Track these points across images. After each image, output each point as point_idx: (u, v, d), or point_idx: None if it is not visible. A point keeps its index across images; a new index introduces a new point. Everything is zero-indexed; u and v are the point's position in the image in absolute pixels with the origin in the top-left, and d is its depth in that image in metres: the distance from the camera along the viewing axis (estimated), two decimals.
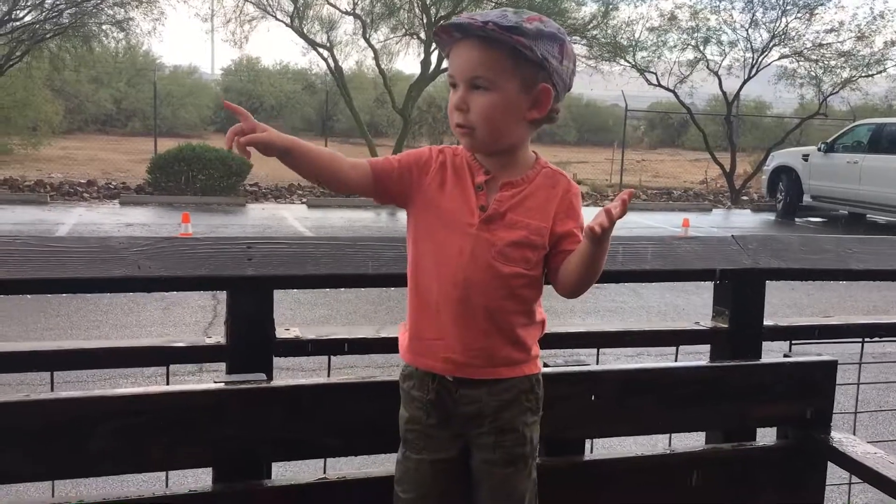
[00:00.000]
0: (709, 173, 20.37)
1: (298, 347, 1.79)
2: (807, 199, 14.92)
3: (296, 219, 12.43)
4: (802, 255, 2.12)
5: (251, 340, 1.74)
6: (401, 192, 1.54)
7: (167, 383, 1.73)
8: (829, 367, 1.83)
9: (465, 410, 1.51)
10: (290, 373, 4.08)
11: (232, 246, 1.76)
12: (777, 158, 15.95)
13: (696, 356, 2.09)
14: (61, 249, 1.65)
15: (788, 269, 2.07)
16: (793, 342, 2.16)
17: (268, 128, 1.43)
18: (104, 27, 15.64)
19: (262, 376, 1.62)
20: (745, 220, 15.24)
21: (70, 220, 11.42)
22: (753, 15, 17.76)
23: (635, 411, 1.73)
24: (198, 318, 6.17)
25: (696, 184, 21.03)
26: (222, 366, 1.74)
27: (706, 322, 2.11)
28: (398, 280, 1.83)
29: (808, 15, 17.55)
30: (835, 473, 1.94)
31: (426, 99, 20.34)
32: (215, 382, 1.58)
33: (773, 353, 2.07)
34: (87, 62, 17.77)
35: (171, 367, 1.78)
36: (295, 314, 6.21)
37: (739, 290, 2.05)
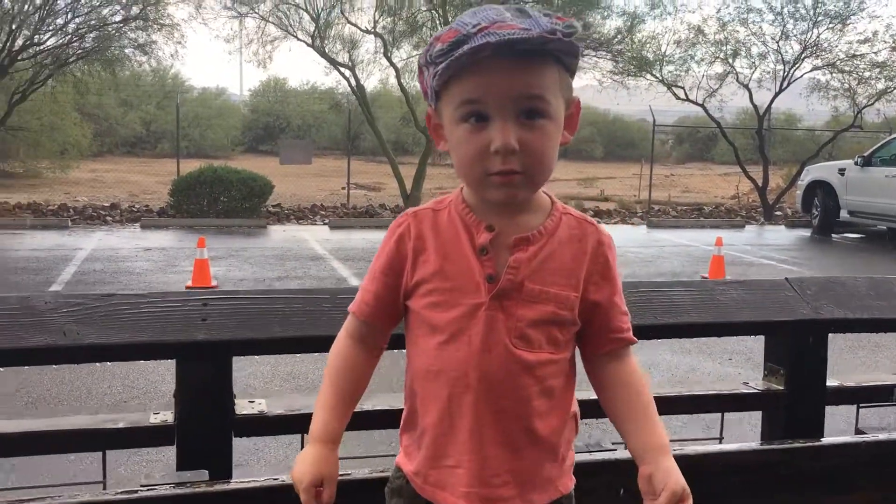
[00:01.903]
0: (740, 188, 19.86)
1: (263, 425, 1.49)
2: (843, 214, 14.39)
3: (317, 241, 12.19)
4: (871, 302, 1.78)
5: (205, 419, 1.44)
6: (397, 312, 1.21)
7: (103, 474, 1.42)
8: None
9: None
10: (253, 450, 3.67)
11: (184, 304, 1.46)
12: (812, 173, 15.44)
13: (747, 425, 1.75)
14: None
15: (856, 319, 1.73)
16: (861, 405, 1.81)
17: (320, 474, 1.17)
18: (126, 50, 15.57)
19: (205, 474, 1.30)
20: (779, 237, 14.73)
21: (89, 244, 11.27)
22: (784, 27, 17.30)
23: None
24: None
25: (727, 199, 20.52)
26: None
27: (757, 382, 1.78)
28: (393, 342, 1.53)
29: (840, 26, 17.05)
30: None
31: None
32: (146, 487, 1.26)
33: (837, 416, 1.73)
34: (110, 85, 17.75)
35: (111, 451, 1.48)
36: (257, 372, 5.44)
37: (797, 344, 1.72)
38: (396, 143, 24.38)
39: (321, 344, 1.53)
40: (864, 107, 17.91)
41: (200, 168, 14.29)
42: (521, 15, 1.07)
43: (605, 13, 15.80)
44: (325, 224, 14.35)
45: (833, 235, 14.49)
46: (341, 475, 1.20)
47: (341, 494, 1.19)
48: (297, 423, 1.50)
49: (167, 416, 1.46)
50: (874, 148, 14.32)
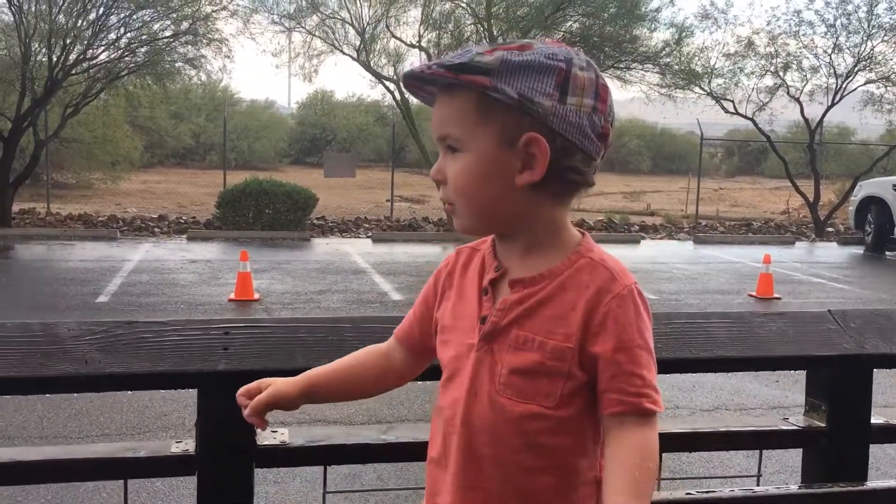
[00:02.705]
0: (790, 203, 19.48)
1: (285, 456, 1.47)
2: None
3: (359, 254, 12.24)
4: None
5: (226, 449, 1.42)
6: (424, 348, 1.24)
7: (125, 502, 1.41)
8: None
9: None
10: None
11: (205, 332, 1.45)
12: (865, 188, 15.07)
13: (785, 463, 1.68)
14: None
15: None
16: None
17: (271, 381, 1.22)
18: (177, 64, 15.88)
19: None
20: (830, 254, 14.39)
21: (136, 255, 11.48)
22: (836, 39, 16.96)
23: None
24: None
25: (776, 214, 20.16)
26: None
27: (797, 419, 1.70)
28: None
29: (895, 38, 16.66)
30: None
31: None
32: None
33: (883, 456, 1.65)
34: (161, 98, 18.13)
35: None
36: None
37: (840, 380, 1.64)
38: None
39: None
40: None
41: (246, 181, 14.49)
42: (459, 49, 1.07)
43: (653, 26, 15.65)
44: (368, 237, 14.43)
45: (887, 253, 14.11)
46: None
47: None
48: (319, 454, 1.47)
49: (188, 446, 1.44)
50: None
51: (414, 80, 1.10)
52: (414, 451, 1.48)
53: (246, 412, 1.22)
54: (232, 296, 8.41)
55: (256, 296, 8.46)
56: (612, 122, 1.09)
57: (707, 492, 1.32)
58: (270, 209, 14.04)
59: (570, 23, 15.22)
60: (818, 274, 11.56)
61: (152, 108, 20.03)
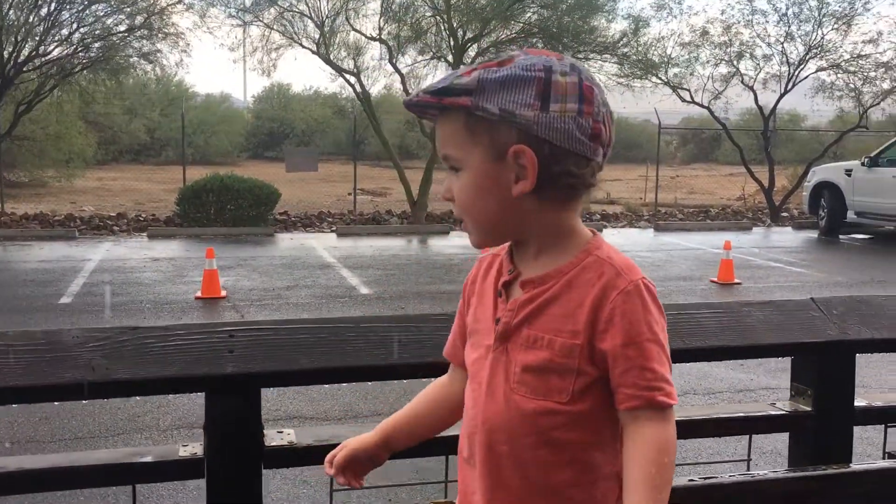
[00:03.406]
0: (746, 189, 19.82)
1: (292, 456, 1.48)
2: (851, 215, 14.35)
3: (325, 248, 12.19)
4: None
5: (234, 451, 1.43)
6: None
7: None
8: None
9: None
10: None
11: (209, 336, 1.46)
12: (818, 174, 15.40)
13: (773, 443, 1.74)
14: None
15: (883, 339, 1.72)
16: (889, 425, 1.80)
17: (345, 444, 1.29)
18: (132, 60, 15.61)
19: None
20: (787, 239, 14.70)
21: (97, 255, 11.29)
22: (788, 28, 17.28)
23: None
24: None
25: (732, 200, 20.49)
26: None
27: (783, 403, 1.77)
28: (412, 371, 1.52)
29: (845, 27, 17.02)
30: None
31: None
32: None
33: (865, 438, 1.72)
34: (116, 94, 17.81)
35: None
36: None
37: (824, 365, 1.70)
38: (401, 147, 24.40)
39: (348, 374, 1.53)
40: (870, 106, 17.88)
41: (207, 176, 14.32)
42: (447, 74, 1.13)
43: (610, 16, 15.79)
44: (332, 231, 14.36)
45: (840, 237, 14.45)
46: None
47: None
48: (327, 453, 1.49)
49: (196, 449, 1.45)
50: (881, 148, 14.29)
51: (410, 108, 1.15)
52: (420, 447, 1.50)
53: (331, 471, 1.29)
54: (198, 293, 8.33)
55: (223, 293, 8.39)
56: (606, 119, 1.11)
57: (708, 478, 1.37)
58: (233, 205, 13.89)
59: (529, 14, 15.28)
60: (776, 258, 11.81)
61: (107, 103, 19.64)
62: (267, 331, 1.49)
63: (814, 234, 14.94)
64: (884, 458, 1.80)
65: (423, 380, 1.48)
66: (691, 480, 1.38)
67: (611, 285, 1.08)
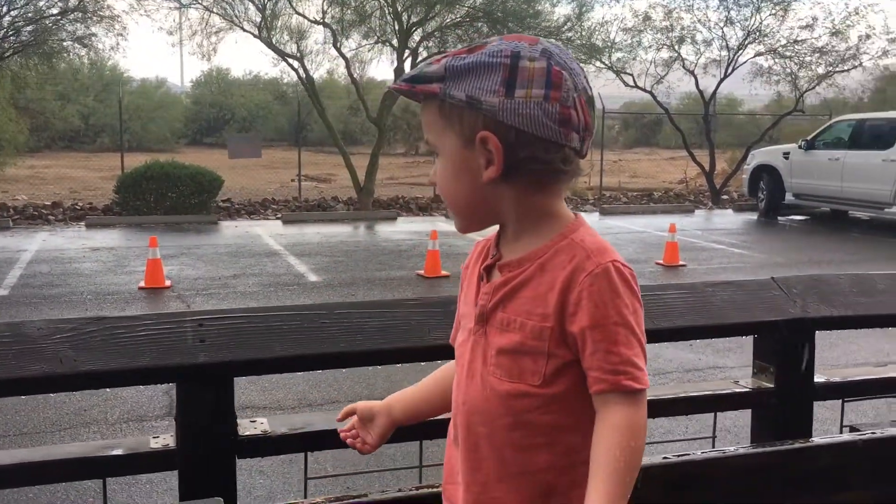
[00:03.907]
0: (688, 173, 20.19)
1: (267, 445, 1.46)
2: (789, 197, 14.76)
3: (270, 236, 12.04)
4: (854, 299, 1.82)
5: (208, 441, 1.41)
6: None
7: (104, 502, 1.38)
8: None
9: None
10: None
11: (179, 325, 1.43)
12: (757, 157, 15.78)
13: (721, 420, 1.77)
14: None
15: (841, 316, 1.77)
16: (846, 400, 1.86)
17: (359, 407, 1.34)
18: (65, 44, 15.11)
19: (220, 502, 1.27)
20: (728, 221, 15.03)
21: (33, 245, 10.96)
22: (728, 13, 17.61)
23: None
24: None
25: (674, 183, 20.85)
26: None
27: (746, 381, 1.81)
28: (387, 356, 1.52)
29: (782, 12, 17.42)
30: None
31: (400, 104, 20.01)
32: None
33: (824, 413, 1.77)
34: (49, 79, 17.24)
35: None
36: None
37: (786, 343, 1.75)
38: (344, 132, 24.16)
39: (323, 361, 1.52)
40: (806, 91, 18.34)
41: (146, 163, 13.98)
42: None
43: (554, 1, 15.87)
44: (277, 218, 14.19)
45: (779, 218, 14.84)
46: None
47: None
48: (300, 441, 1.48)
49: (168, 440, 1.42)
50: (817, 132, 14.70)
51: (398, 93, 1.17)
52: (397, 433, 1.50)
53: (338, 416, 1.35)
54: (142, 284, 8.15)
55: (168, 283, 8.23)
56: (578, 104, 1.09)
57: (682, 455, 1.39)
58: (174, 193, 13.60)
59: None
60: (718, 240, 12.07)
61: (39, 89, 19.01)
62: (239, 319, 1.46)
63: (753, 216, 15.31)
64: (841, 432, 1.85)
65: (398, 365, 1.48)
66: (665, 458, 1.41)
67: (580, 268, 1.08)
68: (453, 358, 1.23)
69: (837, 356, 5.70)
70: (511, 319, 1.11)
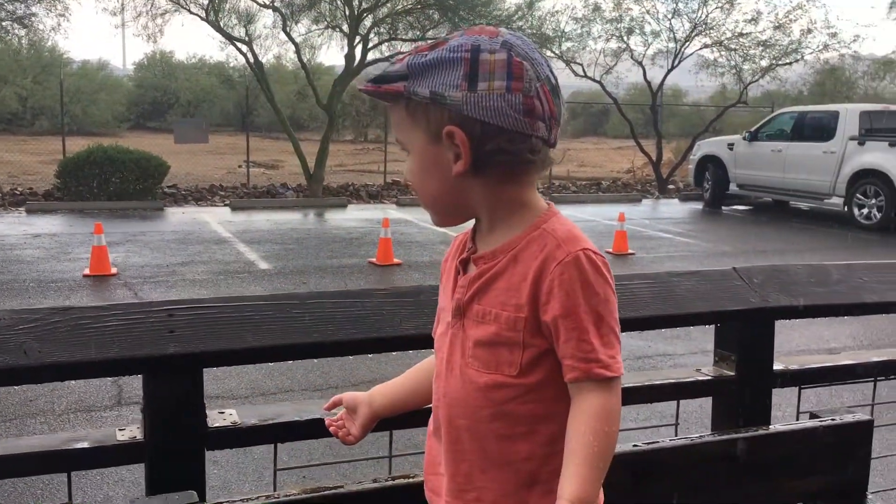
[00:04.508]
0: (635, 162, 20.47)
1: (237, 436, 1.44)
2: (733, 187, 15.08)
3: (219, 223, 11.86)
4: (812, 289, 1.87)
5: (177, 433, 1.38)
6: None
7: (69, 497, 1.35)
8: (865, 429, 1.57)
9: None
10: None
11: (148, 315, 1.40)
12: (703, 148, 16.07)
13: (657, 410, 1.81)
14: None
15: (800, 306, 1.81)
16: (802, 387, 1.91)
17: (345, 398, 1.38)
18: (4, 24, 14.63)
19: (193, 495, 1.25)
20: (674, 210, 15.29)
21: None
22: (676, 5, 17.87)
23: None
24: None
25: (622, 173, 21.13)
26: None
27: (708, 369, 1.84)
28: (360, 346, 1.51)
29: (728, 5, 17.73)
30: None
31: (349, 91, 19.84)
32: None
33: (781, 399, 1.82)
34: None
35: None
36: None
37: (747, 332, 1.79)
38: (292, 118, 23.88)
39: (296, 352, 1.50)
40: (750, 83, 18.72)
41: (89, 148, 13.63)
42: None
43: None
44: (225, 205, 13.98)
45: (724, 208, 15.15)
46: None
47: None
48: (271, 432, 1.46)
49: (135, 433, 1.39)
50: (760, 123, 15.02)
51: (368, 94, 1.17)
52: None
53: (325, 405, 1.39)
54: (87, 271, 7.97)
55: (114, 270, 8.05)
56: (541, 93, 1.09)
57: (651, 442, 1.42)
58: (118, 178, 13.29)
59: None
60: (665, 229, 12.27)
61: None
62: (210, 308, 1.44)
63: (699, 206, 15.60)
64: (797, 418, 1.91)
65: (369, 355, 1.47)
66: (635, 445, 1.43)
67: (551, 257, 1.09)
68: (426, 348, 1.24)
69: (780, 343, 5.85)
70: (486, 311, 1.12)
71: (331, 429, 1.34)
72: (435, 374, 1.20)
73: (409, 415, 1.40)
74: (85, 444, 1.37)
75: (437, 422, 1.19)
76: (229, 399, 4.77)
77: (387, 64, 1.12)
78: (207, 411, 1.44)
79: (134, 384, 4.76)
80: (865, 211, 12.47)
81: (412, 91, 1.08)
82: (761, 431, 1.51)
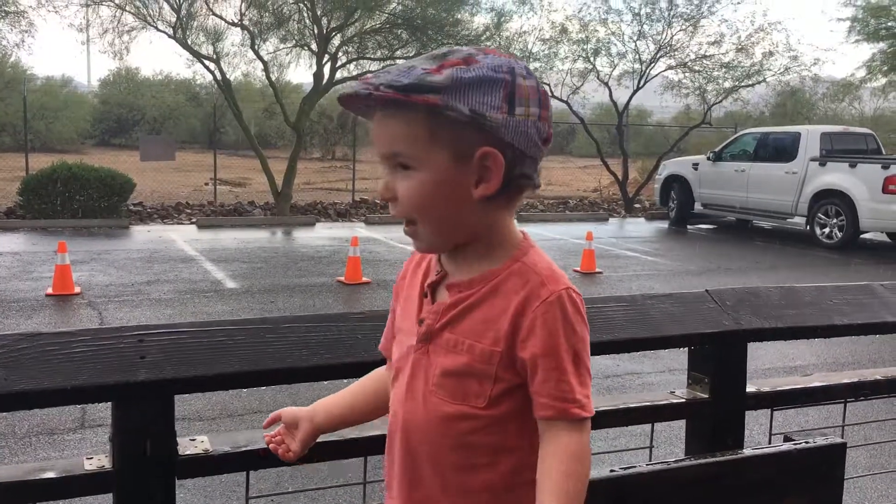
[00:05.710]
0: (601, 181, 20.65)
1: (208, 464, 1.41)
2: (697, 206, 15.29)
3: (185, 241, 11.73)
4: (783, 311, 1.89)
5: (147, 462, 1.35)
6: None
7: None
8: (839, 452, 1.59)
9: None
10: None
11: (118, 341, 1.37)
12: (668, 167, 16.27)
13: (643, 429, 1.81)
14: None
15: (772, 328, 1.83)
16: (774, 408, 1.92)
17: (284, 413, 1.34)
18: None
19: None
20: (640, 229, 15.44)
21: None
22: (641, 27, 18.12)
23: None
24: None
25: (588, 191, 21.30)
26: None
27: (682, 392, 1.85)
28: (334, 371, 1.49)
29: (692, 28, 18.03)
30: None
31: (317, 109, 19.82)
32: None
33: (754, 423, 1.83)
34: None
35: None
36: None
37: (721, 354, 1.80)
38: (259, 135, 23.76)
39: (270, 378, 1.48)
40: (713, 104, 19.02)
41: (53, 165, 13.42)
42: (398, 67, 1.07)
43: (474, 10, 16.01)
44: (192, 223, 13.83)
45: (689, 227, 15.34)
46: None
47: None
48: (243, 460, 1.43)
49: (103, 462, 1.35)
50: (724, 144, 15.27)
51: (357, 100, 1.08)
52: (341, 450, 1.47)
53: (265, 422, 1.35)
54: (49, 290, 7.82)
55: (77, 289, 7.92)
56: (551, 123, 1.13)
57: (629, 467, 1.41)
58: (82, 195, 13.10)
59: (393, 4, 15.25)
60: (632, 248, 12.38)
61: None
62: (182, 334, 1.41)
63: (664, 225, 15.77)
64: (770, 440, 1.92)
65: (345, 380, 1.45)
66: (612, 471, 1.42)
67: (534, 295, 1.08)
68: None
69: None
70: (459, 341, 1.10)
71: (270, 445, 1.31)
72: (392, 395, 1.18)
73: (384, 440, 1.38)
74: (51, 475, 1.34)
75: (392, 446, 1.17)
76: (196, 421, 4.70)
77: (410, 71, 1.04)
78: (178, 438, 1.41)
79: (98, 406, 4.67)
80: (827, 230, 12.70)
81: (450, 105, 1.02)
82: (738, 455, 1.51)
